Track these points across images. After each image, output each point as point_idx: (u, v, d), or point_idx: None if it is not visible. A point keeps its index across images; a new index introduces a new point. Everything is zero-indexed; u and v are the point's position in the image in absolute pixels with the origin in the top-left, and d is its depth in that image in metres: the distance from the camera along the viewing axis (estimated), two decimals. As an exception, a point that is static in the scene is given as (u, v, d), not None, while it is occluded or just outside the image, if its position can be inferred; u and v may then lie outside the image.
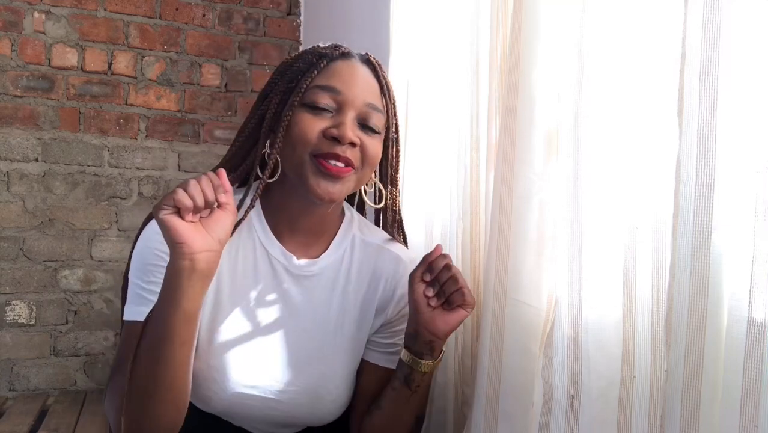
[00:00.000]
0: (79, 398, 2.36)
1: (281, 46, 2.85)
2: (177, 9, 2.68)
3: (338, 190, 0.96)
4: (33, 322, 2.45)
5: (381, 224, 1.14)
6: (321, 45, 1.03)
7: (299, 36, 2.85)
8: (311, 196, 0.96)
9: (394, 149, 1.08)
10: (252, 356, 0.99)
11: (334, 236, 1.08)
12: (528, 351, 0.95)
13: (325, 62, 0.99)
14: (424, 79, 1.38)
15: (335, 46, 1.02)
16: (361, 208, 1.19)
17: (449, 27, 1.28)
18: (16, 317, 2.43)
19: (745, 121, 0.67)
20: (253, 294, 1.01)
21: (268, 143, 1.00)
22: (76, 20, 2.52)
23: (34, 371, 2.46)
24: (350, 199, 1.18)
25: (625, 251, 0.84)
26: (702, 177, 0.69)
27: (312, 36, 2.70)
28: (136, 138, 2.62)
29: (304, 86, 0.97)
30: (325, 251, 1.06)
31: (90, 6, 2.54)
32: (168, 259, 0.85)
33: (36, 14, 2.46)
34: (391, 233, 1.13)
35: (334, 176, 0.95)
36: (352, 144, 0.96)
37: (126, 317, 0.96)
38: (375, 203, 1.10)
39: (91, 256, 2.55)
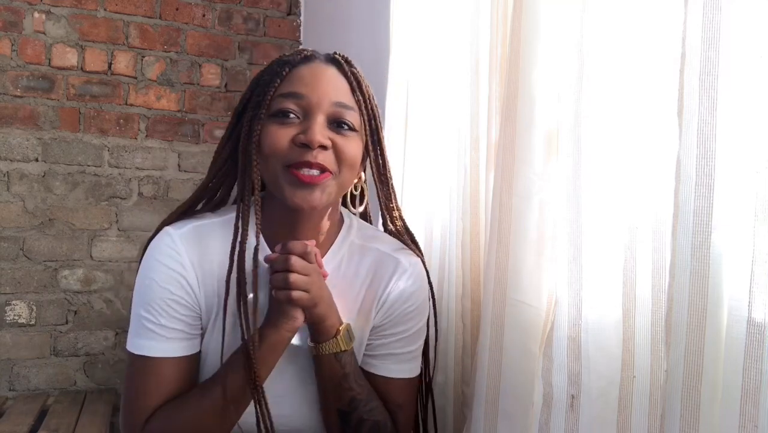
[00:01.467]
0: (79, 398, 2.36)
1: (281, 46, 2.85)
2: (177, 9, 2.68)
3: (317, 197, 0.94)
4: (33, 322, 2.45)
5: (383, 228, 1.12)
6: (286, 54, 1.02)
7: (299, 36, 2.84)
8: (292, 207, 0.95)
9: (378, 146, 1.03)
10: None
11: (332, 244, 1.06)
12: (528, 351, 0.95)
13: (287, 69, 0.96)
14: (424, 79, 1.37)
15: (298, 52, 1.00)
16: (364, 216, 1.16)
17: (449, 27, 1.28)
18: (16, 317, 2.43)
19: (745, 121, 0.67)
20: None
21: (247, 161, 0.97)
22: (76, 20, 2.52)
23: (34, 371, 2.46)
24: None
25: (625, 250, 0.83)
26: (702, 177, 0.69)
27: (312, 36, 2.70)
28: (136, 138, 2.62)
29: (269, 97, 0.95)
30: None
31: (90, 6, 2.54)
32: (175, 293, 0.92)
33: (36, 14, 2.46)
34: (398, 237, 1.10)
35: (308, 185, 0.93)
36: (324, 147, 0.93)
37: (134, 350, 0.96)
38: (356, 206, 1.07)
39: (91, 256, 2.55)
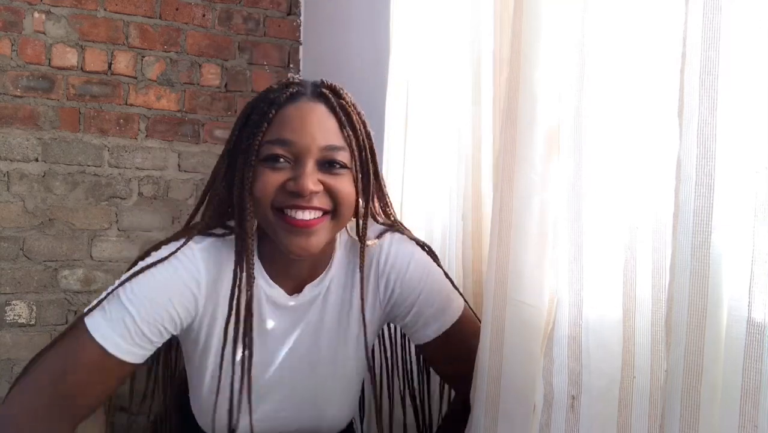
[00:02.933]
0: (79, 398, 2.36)
1: (281, 46, 2.85)
2: (177, 9, 2.68)
3: (314, 242, 0.93)
4: (33, 322, 2.45)
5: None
6: (275, 85, 0.99)
7: (299, 36, 2.84)
8: (289, 255, 0.94)
9: (370, 169, 1.00)
10: (255, 391, 1.00)
11: (330, 261, 1.05)
12: (528, 351, 0.95)
13: (273, 111, 0.94)
14: (424, 78, 1.38)
15: (285, 87, 0.97)
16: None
17: (450, 26, 1.28)
18: (16, 317, 2.43)
19: (745, 121, 0.67)
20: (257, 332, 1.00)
21: (241, 210, 0.96)
22: (76, 20, 2.52)
23: (34, 371, 2.46)
24: None
25: (626, 250, 0.84)
26: (702, 177, 0.69)
27: (312, 36, 2.70)
28: (136, 138, 2.62)
29: (257, 143, 0.93)
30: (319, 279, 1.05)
31: (90, 6, 2.54)
32: (178, 311, 0.94)
33: (36, 14, 2.46)
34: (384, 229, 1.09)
35: (303, 229, 0.92)
36: (315, 192, 0.92)
37: (95, 332, 0.91)
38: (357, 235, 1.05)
39: (91, 256, 2.55)
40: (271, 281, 1.01)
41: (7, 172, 2.43)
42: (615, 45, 0.86)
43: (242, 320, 0.95)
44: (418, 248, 1.08)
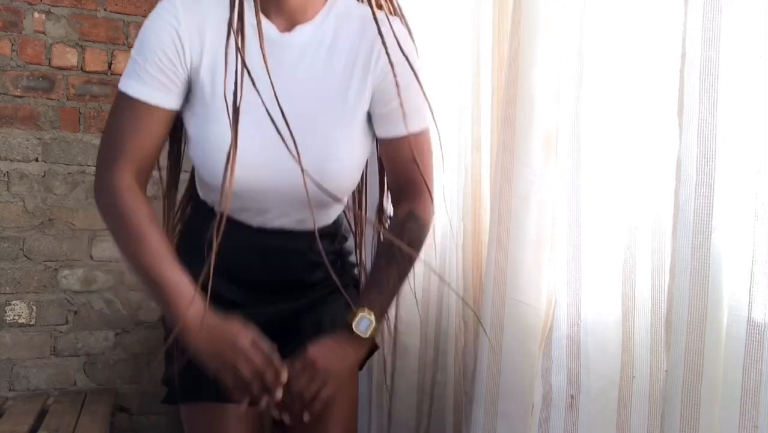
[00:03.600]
0: (79, 398, 2.36)
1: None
2: (177, 9, 2.68)
3: None
4: (33, 322, 2.45)
5: None
6: None
7: (299, 36, 2.84)
8: None
9: None
10: (257, 125, 0.98)
11: (317, 13, 1.05)
12: (527, 351, 0.95)
13: None
14: (424, 78, 1.38)
15: None
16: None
17: (450, 26, 1.28)
18: (16, 317, 2.43)
19: (745, 121, 0.67)
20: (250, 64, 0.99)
21: None
22: (76, 20, 2.52)
23: (34, 371, 2.46)
24: None
25: (625, 251, 0.84)
26: (702, 177, 0.69)
27: (312, 36, 2.70)
28: (136, 138, 2.62)
29: None
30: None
31: (90, 6, 2.54)
32: (166, 45, 0.99)
33: (36, 14, 2.46)
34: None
35: None
36: None
37: (121, 88, 1.00)
38: None
39: (91, 256, 2.55)
40: (261, 15, 1.02)
41: (7, 172, 2.43)
42: (614, 45, 0.86)
43: (237, 51, 0.96)
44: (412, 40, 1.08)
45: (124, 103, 1.01)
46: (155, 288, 0.95)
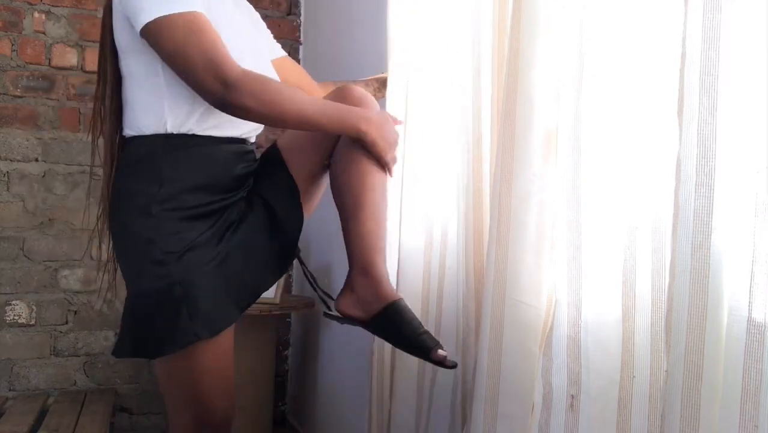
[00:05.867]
0: (79, 398, 2.36)
1: (281, 45, 2.85)
2: (177, 9, 2.68)
3: None
4: (33, 322, 2.45)
5: None
6: None
7: (299, 36, 2.84)
8: None
9: None
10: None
11: None
12: (527, 351, 0.95)
13: None
14: (424, 78, 1.38)
15: None
16: None
17: (450, 26, 1.28)
18: (16, 317, 2.43)
19: (744, 121, 0.67)
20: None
21: None
22: (76, 20, 2.52)
23: (34, 371, 2.46)
24: None
25: (625, 251, 0.84)
26: (702, 177, 0.69)
27: (312, 36, 2.70)
28: (136, 138, 2.62)
29: None
30: None
31: (90, 6, 2.54)
32: None
33: (36, 14, 2.46)
34: None
35: None
36: None
37: (178, 9, 1.02)
38: None
39: (91, 256, 2.55)
40: None
41: (7, 172, 2.43)
42: (614, 45, 0.86)
43: None
44: None
45: (193, 22, 1.03)
46: (331, 112, 1.08)
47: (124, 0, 1.08)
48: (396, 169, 1.38)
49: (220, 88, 1.02)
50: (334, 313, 1.14)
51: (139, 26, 1.05)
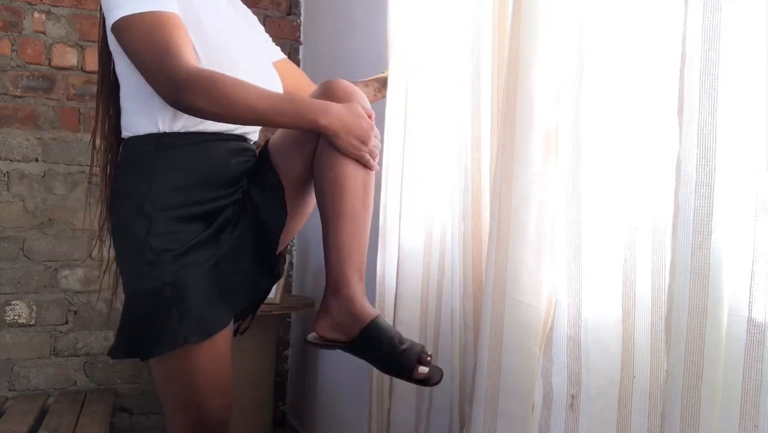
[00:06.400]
0: (79, 398, 2.36)
1: (281, 46, 2.84)
2: (177, 9, 2.68)
3: None
4: (33, 322, 2.45)
5: None
6: None
7: (299, 36, 2.84)
8: None
9: None
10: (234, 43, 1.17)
11: None
12: (527, 351, 0.95)
13: None
14: (424, 78, 1.38)
15: None
16: None
17: (450, 26, 1.28)
18: (16, 317, 2.43)
19: (745, 122, 0.67)
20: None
21: None
22: (76, 20, 2.52)
23: (34, 371, 2.46)
24: None
25: (625, 251, 0.84)
26: (702, 177, 0.69)
27: (312, 36, 2.70)
28: (136, 138, 2.62)
29: None
30: None
31: (90, 6, 2.54)
32: None
33: (36, 14, 2.46)
34: None
35: None
36: None
37: (138, 9, 1.01)
38: None
39: (91, 256, 2.55)
40: None
41: (7, 172, 2.43)
42: (614, 45, 0.86)
43: None
44: None
45: (154, 20, 1.02)
46: (286, 107, 1.04)
47: (102, 1, 1.10)
48: (396, 168, 1.38)
49: (171, 89, 1.01)
50: (314, 339, 1.08)
51: (109, 27, 1.07)
